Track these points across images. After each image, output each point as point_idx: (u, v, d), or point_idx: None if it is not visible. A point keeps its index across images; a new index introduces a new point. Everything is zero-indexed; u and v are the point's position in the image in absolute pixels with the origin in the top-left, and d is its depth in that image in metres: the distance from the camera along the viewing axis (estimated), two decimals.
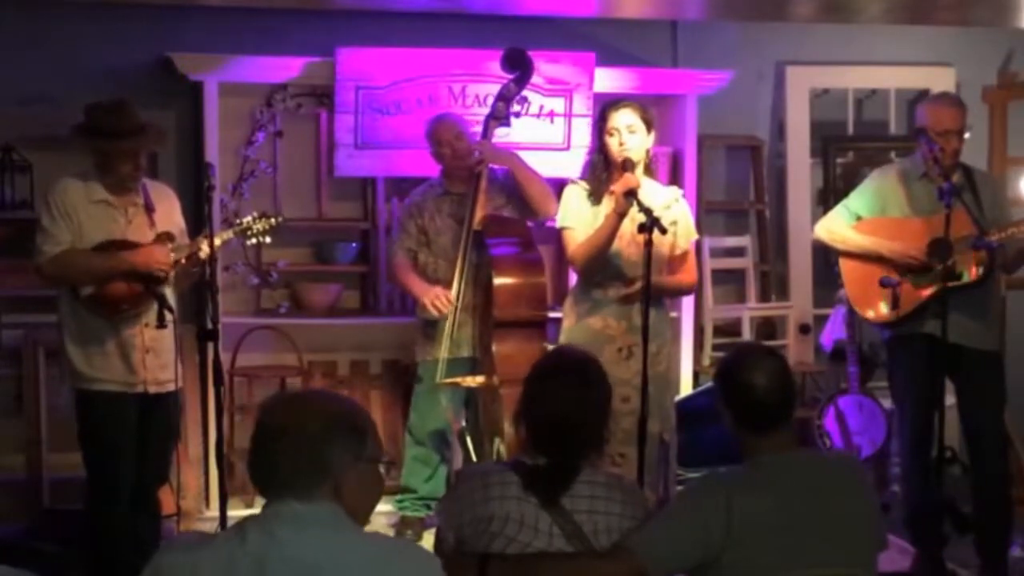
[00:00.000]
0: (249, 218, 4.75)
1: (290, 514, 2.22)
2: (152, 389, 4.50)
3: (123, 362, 4.46)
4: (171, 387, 4.57)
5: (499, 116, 5.21)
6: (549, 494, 2.87)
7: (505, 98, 5.21)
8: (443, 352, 5.14)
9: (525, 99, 5.42)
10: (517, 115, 5.35)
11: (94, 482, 4.51)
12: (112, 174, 4.44)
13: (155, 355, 4.50)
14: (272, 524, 2.22)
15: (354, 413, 2.36)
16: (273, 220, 4.75)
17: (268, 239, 4.80)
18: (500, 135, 5.41)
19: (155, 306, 4.42)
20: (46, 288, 4.66)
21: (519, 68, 5.22)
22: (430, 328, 5.27)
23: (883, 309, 4.82)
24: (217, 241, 4.48)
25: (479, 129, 5.32)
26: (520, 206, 5.23)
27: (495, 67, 5.35)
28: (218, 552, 2.22)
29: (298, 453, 2.25)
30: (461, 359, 5.20)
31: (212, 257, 4.44)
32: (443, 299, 5.11)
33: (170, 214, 4.63)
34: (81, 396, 4.50)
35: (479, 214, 5.12)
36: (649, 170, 4.74)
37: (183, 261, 4.50)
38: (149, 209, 4.51)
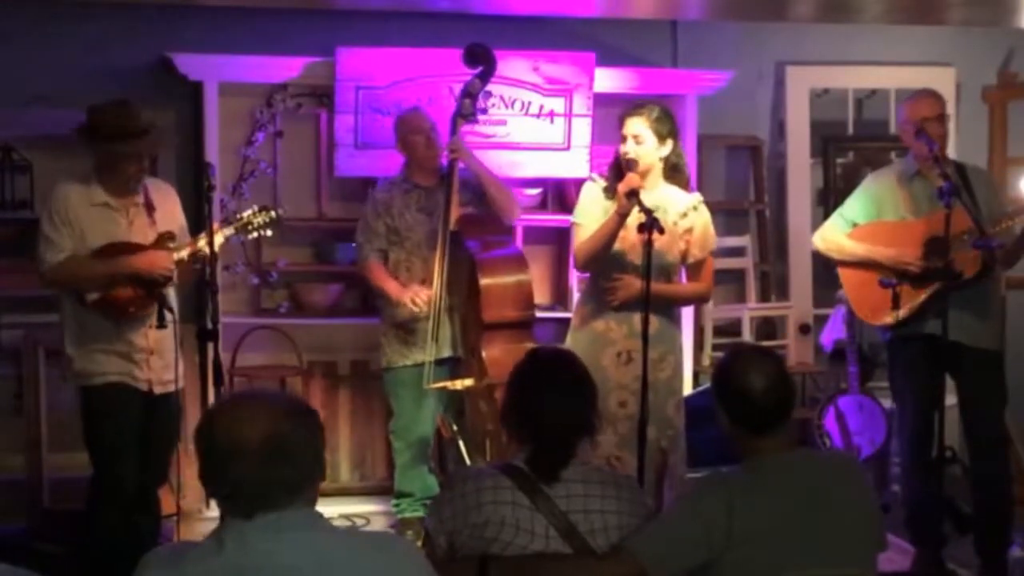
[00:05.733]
0: (249, 212, 4.70)
1: (265, 522, 2.19)
2: (157, 389, 4.52)
3: (127, 362, 4.47)
4: (172, 387, 4.59)
5: (465, 113, 5.16)
6: (540, 480, 2.88)
7: (470, 94, 5.16)
8: (429, 355, 5.11)
9: (490, 94, 5.39)
10: (484, 111, 5.31)
11: (98, 479, 4.51)
12: (116, 176, 4.42)
13: (159, 355, 4.51)
14: (248, 531, 2.19)
15: (295, 397, 2.35)
16: (273, 213, 4.69)
17: (269, 232, 4.75)
18: (501, 134, 5.39)
19: (158, 308, 4.42)
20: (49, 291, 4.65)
21: (482, 63, 5.17)
22: (404, 332, 5.22)
23: (885, 313, 4.81)
24: (219, 239, 4.47)
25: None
26: (484, 208, 5.20)
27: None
28: (197, 564, 2.19)
29: (302, 458, 2.20)
30: (442, 360, 5.18)
31: (212, 257, 4.43)
32: (422, 295, 5.08)
33: (171, 211, 4.62)
34: (84, 392, 4.50)
35: (454, 213, 5.09)
36: (676, 175, 4.65)
37: (185, 259, 4.49)
38: (150, 208, 4.50)
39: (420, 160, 5.27)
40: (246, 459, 2.17)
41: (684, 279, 4.71)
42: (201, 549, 2.23)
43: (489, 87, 5.32)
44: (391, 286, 5.20)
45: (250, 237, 4.81)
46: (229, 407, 2.30)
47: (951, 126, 5.10)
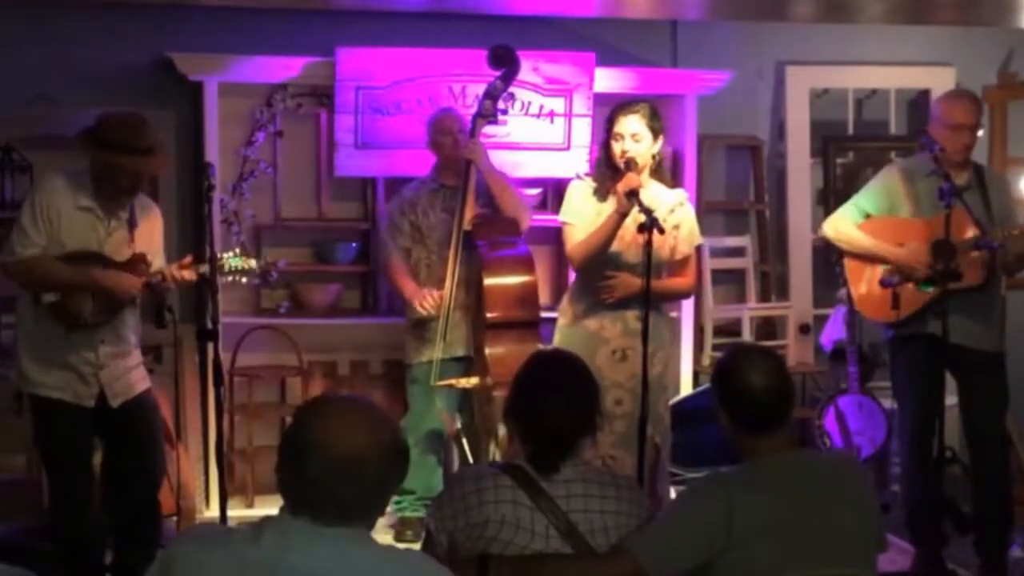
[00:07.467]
0: (229, 254, 4.59)
1: (315, 530, 2.17)
2: (115, 403, 4.44)
3: (73, 376, 4.38)
4: (138, 390, 4.50)
5: (486, 114, 5.21)
6: (541, 475, 2.88)
7: (492, 96, 5.20)
8: (437, 353, 5.15)
9: (512, 96, 5.41)
10: (505, 112, 5.34)
11: (53, 485, 4.52)
12: (108, 186, 4.33)
13: (112, 370, 4.42)
14: (291, 531, 2.17)
15: (399, 432, 2.30)
16: (252, 262, 4.61)
17: (245, 280, 4.70)
18: (501, 134, 5.37)
19: (113, 326, 4.38)
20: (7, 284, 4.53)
21: (505, 65, 5.21)
22: (421, 329, 5.28)
23: (885, 310, 4.82)
24: (193, 274, 4.40)
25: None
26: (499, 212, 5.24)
27: None
28: (231, 551, 2.18)
29: (370, 488, 2.19)
30: (455, 359, 5.22)
31: (212, 257, 4.39)
32: (429, 298, 5.14)
33: (151, 232, 4.52)
34: (34, 400, 4.46)
35: (468, 213, 5.14)
36: (659, 172, 4.67)
37: (151, 284, 4.41)
38: (132, 225, 4.42)
39: (447, 161, 5.33)
40: (317, 461, 2.16)
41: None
42: (238, 537, 2.21)
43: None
44: (408, 286, 5.28)
45: (227, 279, 4.68)
46: (339, 407, 2.27)
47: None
